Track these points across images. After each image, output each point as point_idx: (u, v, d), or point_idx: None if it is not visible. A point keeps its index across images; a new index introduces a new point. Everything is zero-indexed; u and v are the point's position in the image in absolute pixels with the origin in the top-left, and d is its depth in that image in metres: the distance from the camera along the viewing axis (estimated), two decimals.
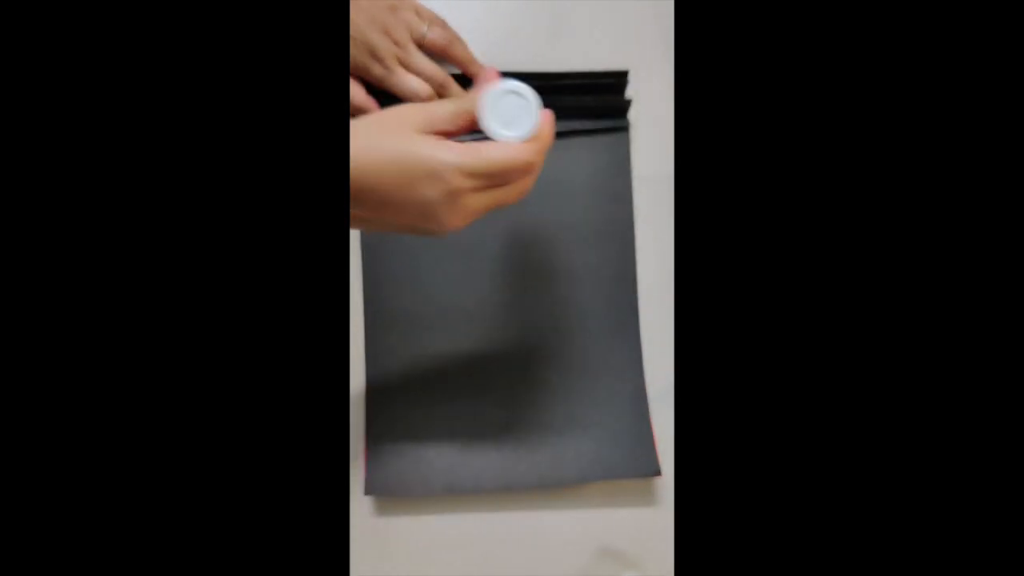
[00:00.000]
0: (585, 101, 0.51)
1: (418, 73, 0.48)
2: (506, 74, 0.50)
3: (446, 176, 0.31)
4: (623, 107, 0.51)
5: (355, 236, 0.49)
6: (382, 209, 0.32)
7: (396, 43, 0.47)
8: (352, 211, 0.32)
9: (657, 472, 0.47)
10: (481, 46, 0.50)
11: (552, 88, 0.50)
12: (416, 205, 0.32)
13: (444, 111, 0.34)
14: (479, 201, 0.33)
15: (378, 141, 0.31)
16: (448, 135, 0.34)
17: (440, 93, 0.48)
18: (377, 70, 0.47)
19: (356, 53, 0.47)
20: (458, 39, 0.49)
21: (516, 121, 0.33)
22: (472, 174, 0.31)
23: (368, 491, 0.45)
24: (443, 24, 0.49)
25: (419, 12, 0.48)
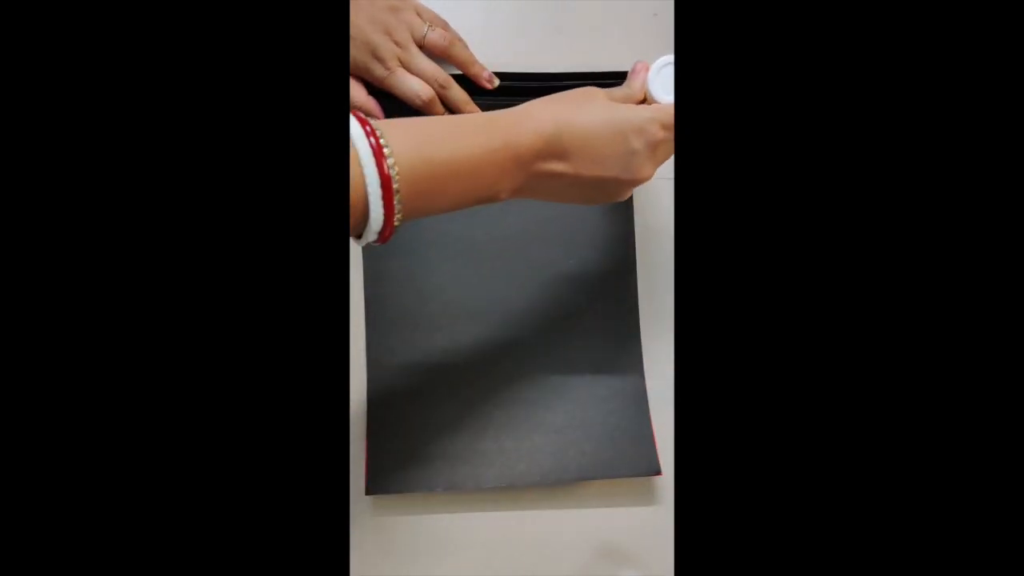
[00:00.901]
0: None
1: (419, 74, 0.48)
2: (506, 75, 0.50)
3: (650, 128, 0.37)
4: None
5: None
6: (591, 162, 0.37)
7: (397, 43, 0.47)
8: (558, 167, 0.36)
9: (657, 471, 0.47)
10: (482, 47, 0.50)
11: (552, 88, 0.50)
12: (624, 156, 0.37)
13: (621, 92, 0.42)
14: (666, 150, 0.39)
15: (587, 107, 0.37)
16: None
17: (441, 94, 0.48)
18: (378, 70, 0.47)
19: (357, 53, 0.47)
20: (459, 40, 0.49)
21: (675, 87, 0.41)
22: (665, 125, 0.38)
23: (369, 491, 0.45)
24: (444, 24, 0.49)
25: (420, 13, 0.49)
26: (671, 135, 0.38)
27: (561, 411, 0.48)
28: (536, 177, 0.37)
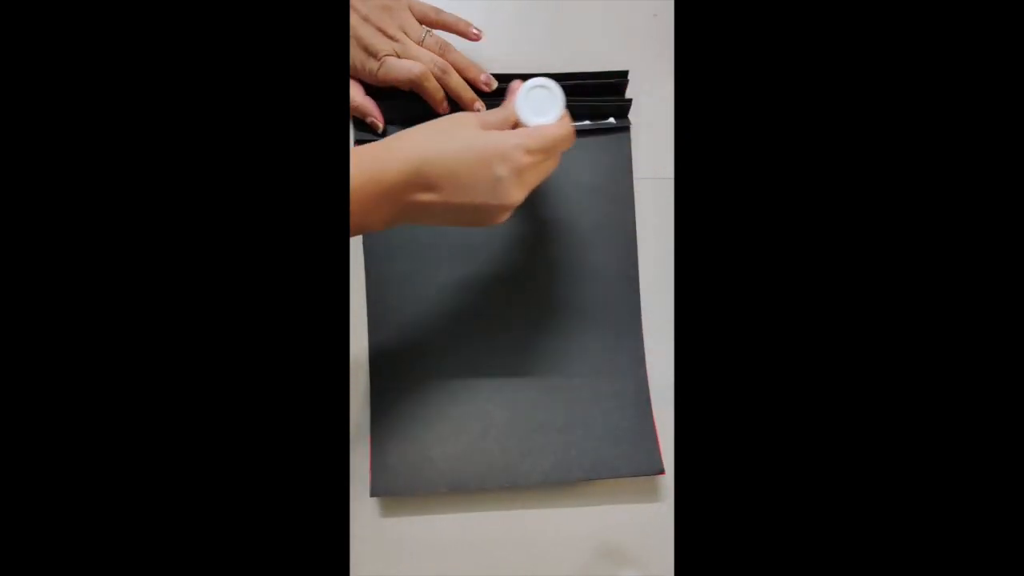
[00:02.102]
0: (586, 101, 0.51)
1: (416, 59, 0.47)
2: (505, 76, 0.50)
3: (514, 155, 0.37)
4: (624, 107, 0.52)
5: (356, 239, 0.49)
6: (458, 191, 0.38)
7: (391, 38, 0.47)
8: (426, 197, 0.37)
9: (661, 470, 0.47)
10: (482, 47, 0.50)
11: None
12: (488, 182, 0.38)
13: (494, 117, 0.41)
14: (535, 174, 0.39)
15: (451, 135, 0.38)
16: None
17: (441, 79, 0.48)
18: (371, 64, 0.47)
19: (351, 51, 0.47)
20: (451, 45, 0.49)
21: (545, 109, 0.41)
22: (531, 151, 0.38)
23: (374, 492, 0.45)
24: (436, 11, 0.49)
25: (412, 7, 0.49)
26: (537, 159, 0.38)
27: (563, 411, 0.48)
28: (407, 207, 0.38)
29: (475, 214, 0.39)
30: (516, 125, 0.41)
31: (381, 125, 0.49)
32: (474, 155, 0.37)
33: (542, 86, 0.42)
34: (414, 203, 0.37)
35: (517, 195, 0.39)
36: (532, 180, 0.39)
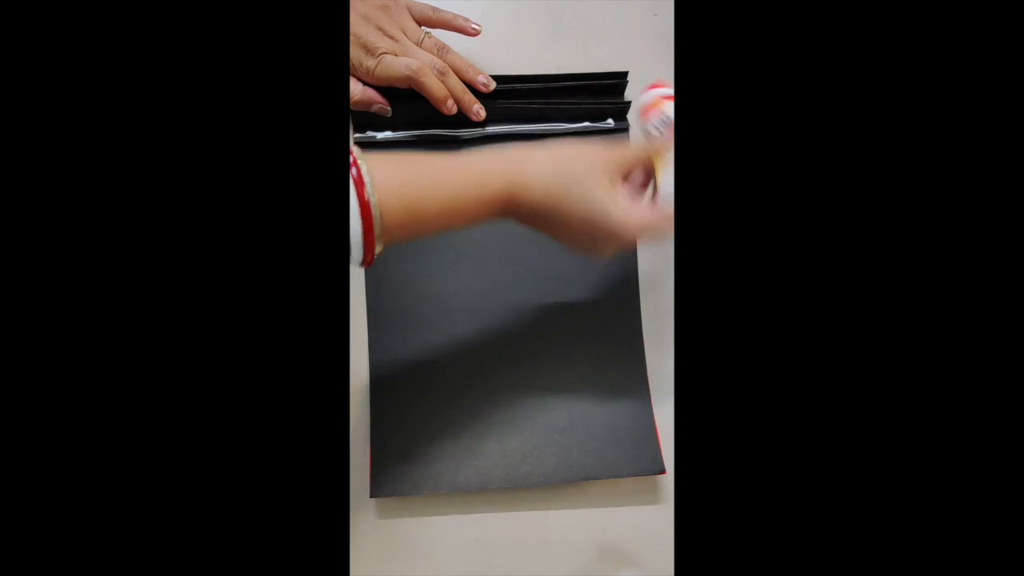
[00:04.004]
0: (585, 102, 0.51)
1: (414, 58, 0.47)
2: (505, 77, 0.50)
3: (626, 237, 0.38)
4: (623, 108, 0.52)
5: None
6: (558, 232, 0.40)
7: (391, 38, 0.47)
8: (529, 217, 0.39)
9: (662, 470, 0.47)
10: (482, 47, 0.50)
11: (552, 90, 0.51)
12: (592, 243, 0.39)
13: (630, 159, 0.41)
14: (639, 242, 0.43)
15: (576, 193, 0.37)
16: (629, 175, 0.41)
17: (440, 80, 0.48)
18: (368, 61, 0.46)
19: (351, 51, 0.47)
20: (450, 47, 0.49)
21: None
22: (641, 239, 0.40)
23: (374, 493, 0.45)
24: (433, 9, 0.49)
25: (411, 8, 0.49)
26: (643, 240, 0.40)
27: (564, 411, 0.48)
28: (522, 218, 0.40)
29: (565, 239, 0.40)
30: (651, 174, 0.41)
31: (388, 109, 0.49)
32: (591, 222, 0.37)
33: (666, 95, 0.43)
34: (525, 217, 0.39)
35: (609, 253, 0.40)
36: (631, 247, 0.43)
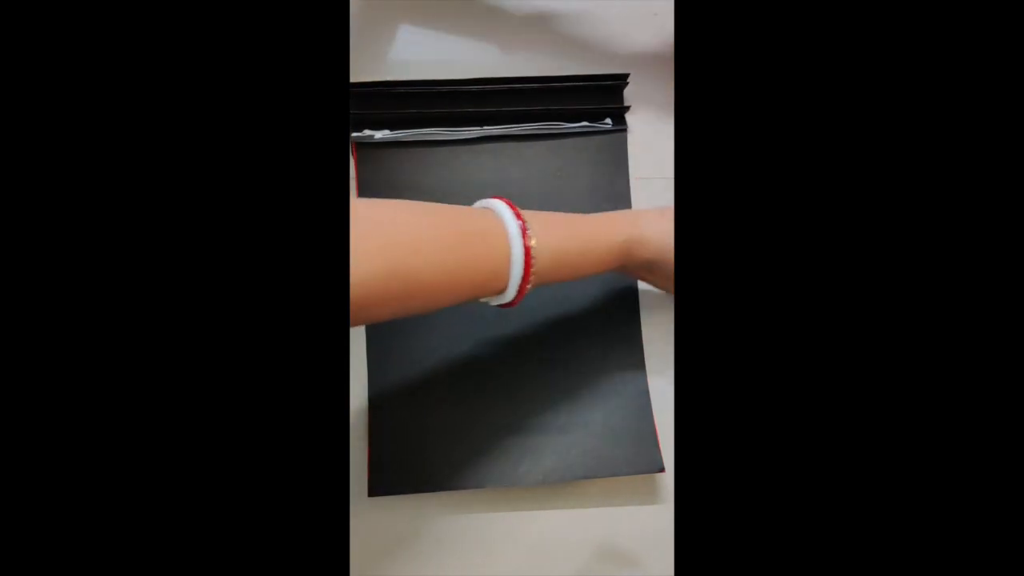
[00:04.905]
0: (585, 103, 0.51)
1: None
2: (505, 79, 0.50)
3: None
4: (622, 109, 0.52)
5: None
6: (667, 283, 0.45)
7: None
8: (640, 267, 0.44)
9: (660, 468, 0.47)
10: (482, 48, 0.50)
11: (552, 91, 0.51)
12: None
13: None
14: None
15: None
16: None
17: None
18: None
19: None
20: None
21: None
22: None
23: (372, 492, 0.45)
24: None
25: None
26: None
27: (563, 410, 0.48)
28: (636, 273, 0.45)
29: None
30: None
31: None
32: None
33: None
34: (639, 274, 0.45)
35: None
36: None
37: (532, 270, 0.36)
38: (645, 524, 0.48)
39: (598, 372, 0.49)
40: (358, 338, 0.48)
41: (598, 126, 0.52)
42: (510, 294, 0.37)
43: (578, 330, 0.49)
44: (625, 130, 0.52)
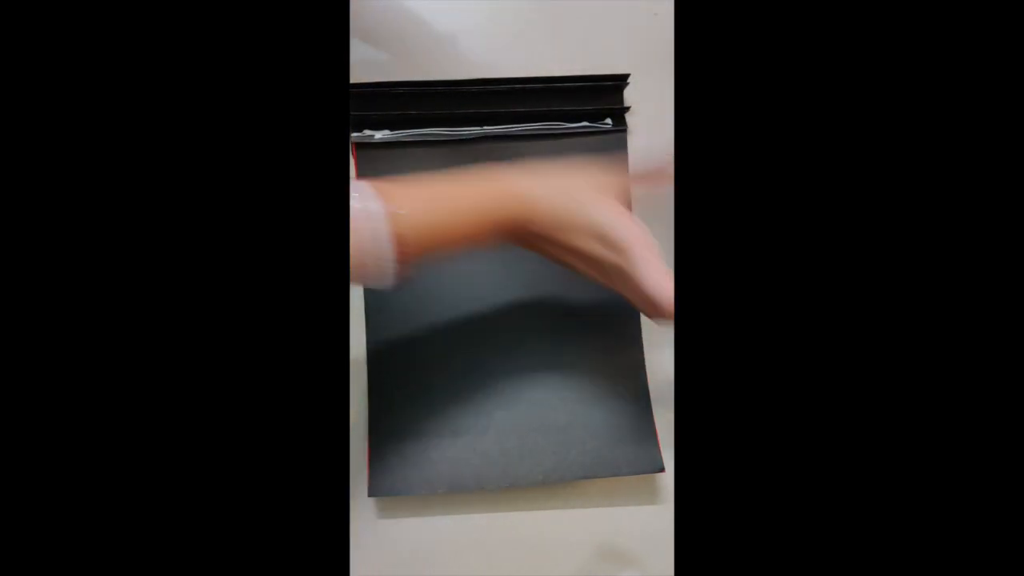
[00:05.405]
0: (585, 104, 0.51)
1: None
2: (504, 79, 0.50)
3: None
4: (622, 109, 0.52)
5: None
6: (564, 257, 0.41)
7: None
8: (533, 237, 0.40)
9: (661, 468, 0.47)
10: (482, 48, 0.50)
11: (552, 91, 0.51)
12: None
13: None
14: None
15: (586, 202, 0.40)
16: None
17: None
18: None
19: None
20: None
21: None
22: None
23: (372, 493, 0.45)
24: None
25: None
26: None
27: (564, 410, 0.48)
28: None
29: None
30: None
31: None
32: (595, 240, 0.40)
33: None
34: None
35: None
36: None
37: (403, 253, 0.34)
38: (645, 524, 0.48)
39: (598, 371, 0.49)
40: (358, 340, 0.48)
41: (598, 126, 0.52)
42: (387, 280, 0.35)
43: (578, 329, 0.49)
44: (625, 130, 0.52)
